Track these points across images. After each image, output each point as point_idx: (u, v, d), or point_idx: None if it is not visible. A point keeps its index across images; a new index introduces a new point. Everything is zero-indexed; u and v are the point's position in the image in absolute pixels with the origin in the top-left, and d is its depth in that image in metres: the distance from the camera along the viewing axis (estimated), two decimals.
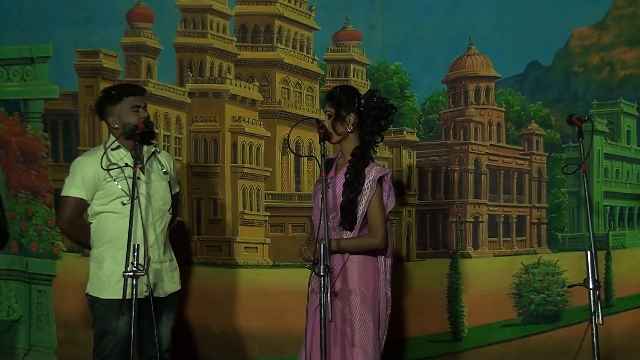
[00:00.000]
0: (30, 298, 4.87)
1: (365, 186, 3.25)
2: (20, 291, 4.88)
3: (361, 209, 3.26)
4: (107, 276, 3.42)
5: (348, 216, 3.25)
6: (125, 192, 3.37)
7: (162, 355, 3.41)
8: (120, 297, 3.18)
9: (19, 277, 4.89)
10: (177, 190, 3.77)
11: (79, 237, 3.59)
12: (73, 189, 3.45)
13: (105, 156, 3.36)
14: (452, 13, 4.34)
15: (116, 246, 3.39)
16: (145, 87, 4.40)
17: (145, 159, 3.50)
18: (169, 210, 3.54)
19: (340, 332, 3.23)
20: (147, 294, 3.29)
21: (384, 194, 3.30)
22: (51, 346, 4.82)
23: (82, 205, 3.48)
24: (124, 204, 3.37)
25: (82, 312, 4.55)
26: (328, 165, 3.34)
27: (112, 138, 3.48)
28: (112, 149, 3.45)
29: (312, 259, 3.15)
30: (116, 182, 3.39)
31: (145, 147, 3.50)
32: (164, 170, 3.55)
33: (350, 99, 3.32)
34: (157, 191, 3.50)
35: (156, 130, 4.17)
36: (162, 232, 3.51)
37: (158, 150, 3.61)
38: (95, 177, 3.42)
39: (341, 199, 3.27)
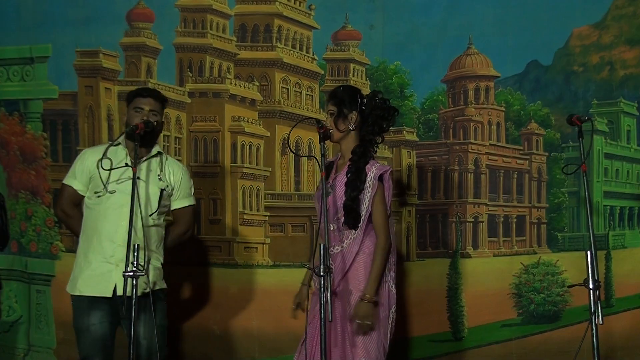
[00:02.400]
0: (29, 298, 4.87)
1: (367, 184, 3.26)
2: (20, 291, 4.88)
3: (364, 208, 3.26)
4: (77, 272, 3.43)
5: (351, 214, 3.25)
6: (103, 184, 3.38)
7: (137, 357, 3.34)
8: (86, 294, 3.29)
9: (18, 277, 4.88)
10: (187, 204, 3.62)
11: (71, 227, 3.62)
12: (68, 178, 3.53)
13: (104, 152, 3.38)
14: (452, 13, 4.34)
15: (85, 241, 3.43)
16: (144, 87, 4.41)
17: (143, 160, 3.46)
18: (151, 215, 3.43)
19: (341, 331, 3.24)
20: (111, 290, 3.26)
21: (386, 192, 3.31)
22: (50, 346, 4.81)
23: (74, 195, 3.51)
24: (96, 194, 3.40)
25: None
26: (328, 168, 3.34)
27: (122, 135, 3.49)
28: (114, 145, 3.47)
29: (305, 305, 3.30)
30: (100, 174, 3.38)
31: (153, 150, 3.48)
32: (159, 176, 3.49)
33: (352, 97, 3.33)
34: (143, 193, 3.42)
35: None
36: (136, 234, 3.32)
37: (166, 156, 3.58)
38: (86, 169, 3.46)
39: (344, 198, 3.27)
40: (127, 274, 3.01)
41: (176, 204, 3.58)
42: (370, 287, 3.19)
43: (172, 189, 3.54)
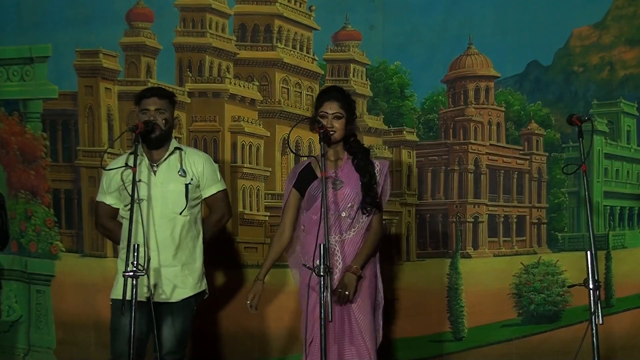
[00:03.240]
0: (29, 298, 4.87)
1: (376, 172, 3.37)
2: (20, 291, 4.88)
3: (379, 192, 3.37)
4: (118, 277, 3.46)
5: (371, 195, 3.32)
6: (129, 194, 3.34)
7: (162, 357, 3.40)
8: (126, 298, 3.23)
9: (18, 277, 4.88)
10: (215, 191, 3.63)
11: (114, 239, 3.68)
12: (99, 194, 3.62)
13: (103, 158, 3.42)
14: (452, 13, 4.34)
15: (124, 249, 3.42)
16: (144, 87, 4.40)
17: (162, 160, 3.48)
18: (181, 213, 3.47)
19: (339, 329, 3.26)
20: (147, 295, 3.30)
21: (386, 186, 3.42)
22: (50, 346, 4.81)
23: (107, 209, 3.58)
24: (129, 209, 3.36)
25: (81, 312, 4.55)
26: (307, 170, 3.41)
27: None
28: (131, 153, 3.41)
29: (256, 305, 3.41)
30: (124, 187, 3.41)
31: (170, 148, 3.49)
32: (180, 172, 3.50)
33: (352, 103, 3.43)
34: (167, 195, 3.46)
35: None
36: (171, 236, 3.45)
37: (184, 149, 3.57)
38: (112, 182, 3.51)
39: (357, 186, 3.33)
40: (127, 274, 3.02)
41: (205, 193, 3.61)
42: (358, 261, 3.28)
43: (198, 180, 3.55)
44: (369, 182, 3.33)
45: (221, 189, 3.66)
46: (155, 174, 3.46)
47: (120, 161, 3.47)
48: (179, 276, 3.48)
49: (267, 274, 3.52)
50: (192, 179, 3.52)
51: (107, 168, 3.43)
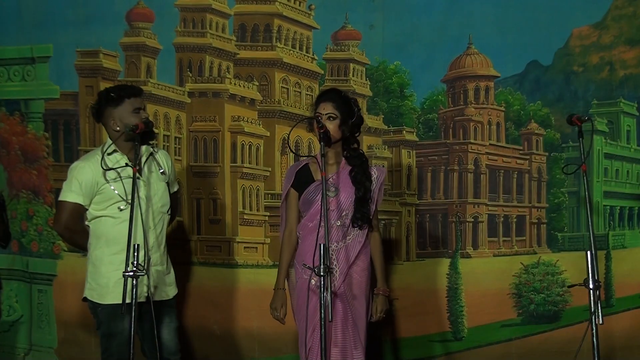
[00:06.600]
0: (30, 298, 4.88)
1: (373, 185, 3.37)
2: (21, 291, 4.89)
3: (372, 206, 3.37)
4: (105, 281, 3.38)
5: (363, 214, 3.33)
6: (122, 197, 3.32)
7: (165, 357, 3.42)
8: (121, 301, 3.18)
9: (19, 277, 4.89)
10: (176, 188, 3.71)
11: (77, 241, 3.54)
12: (70, 194, 3.39)
13: (103, 159, 3.31)
14: (452, 13, 4.34)
15: (113, 250, 3.35)
16: (144, 87, 4.44)
17: (143, 161, 3.44)
18: (167, 212, 3.50)
19: (342, 333, 3.26)
20: (146, 295, 3.30)
21: (381, 193, 3.44)
22: (52, 346, 4.83)
23: (79, 210, 3.41)
24: (121, 210, 3.32)
25: (82, 312, 4.55)
26: (305, 170, 3.41)
27: (109, 142, 3.42)
28: (108, 154, 3.38)
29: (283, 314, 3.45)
30: (112, 187, 3.34)
31: (143, 148, 3.40)
32: (162, 170, 3.48)
33: (350, 105, 3.40)
34: (156, 193, 3.44)
35: (156, 130, 4.16)
36: (161, 234, 3.47)
37: (156, 150, 3.55)
38: (93, 182, 3.35)
39: (353, 197, 3.33)
40: (127, 274, 3.02)
41: (170, 190, 3.59)
42: (382, 281, 3.42)
43: (169, 177, 3.57)
44: (363, 197, 3.32)
45: (178, 187, 3.75)
46: (141, 174, 3.39)
47: (94, 159, 3.35)
48: (167, 274, 3.50)
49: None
50: (168, 177, 3.53)
51: (106, 168, 3.37)
